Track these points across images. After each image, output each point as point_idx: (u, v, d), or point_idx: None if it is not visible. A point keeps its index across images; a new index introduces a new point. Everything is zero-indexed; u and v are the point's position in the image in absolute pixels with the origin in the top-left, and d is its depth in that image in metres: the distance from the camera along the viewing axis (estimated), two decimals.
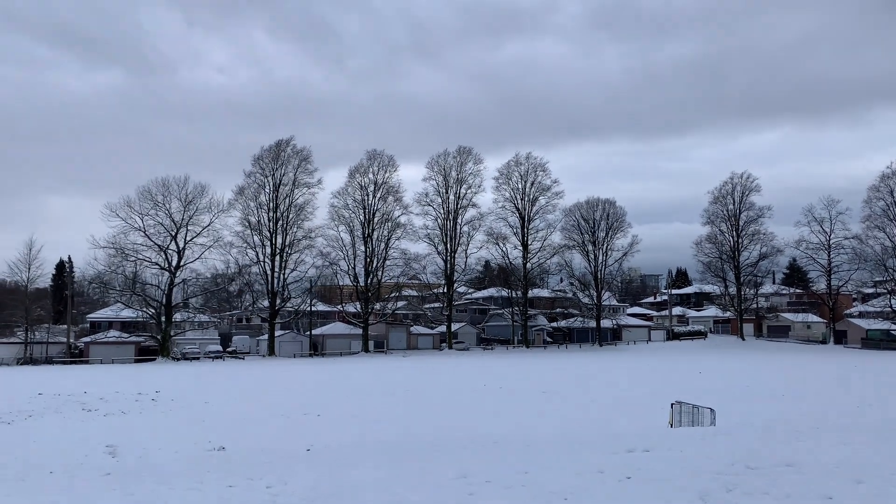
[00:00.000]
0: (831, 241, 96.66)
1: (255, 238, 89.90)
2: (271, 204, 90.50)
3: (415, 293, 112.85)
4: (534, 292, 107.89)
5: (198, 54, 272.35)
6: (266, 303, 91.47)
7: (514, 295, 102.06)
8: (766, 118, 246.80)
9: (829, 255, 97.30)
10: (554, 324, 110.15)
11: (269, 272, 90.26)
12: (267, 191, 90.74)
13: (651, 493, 8.70)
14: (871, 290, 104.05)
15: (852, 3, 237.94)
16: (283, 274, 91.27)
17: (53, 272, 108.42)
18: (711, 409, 19.76)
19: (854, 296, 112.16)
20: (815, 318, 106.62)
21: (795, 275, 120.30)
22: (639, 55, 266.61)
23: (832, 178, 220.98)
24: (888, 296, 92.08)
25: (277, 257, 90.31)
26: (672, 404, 19.79)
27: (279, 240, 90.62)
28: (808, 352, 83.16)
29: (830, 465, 10.28)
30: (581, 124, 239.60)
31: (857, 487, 8.98)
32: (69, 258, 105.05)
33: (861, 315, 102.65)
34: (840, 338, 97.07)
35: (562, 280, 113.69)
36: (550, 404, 32.49)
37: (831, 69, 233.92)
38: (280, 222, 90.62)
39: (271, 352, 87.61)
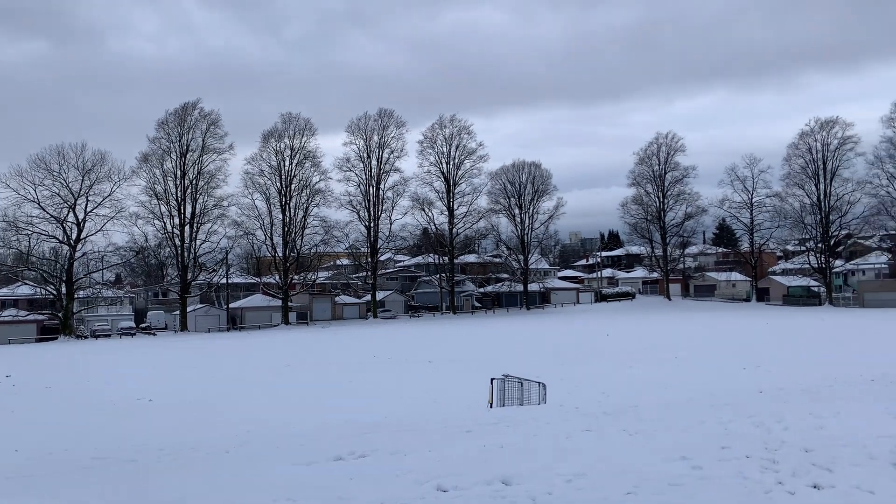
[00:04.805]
0: (753, 200, 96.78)
1: (162, 208, 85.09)
2: (178, 171, 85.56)
3: (344, 262, 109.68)
4: (463, 258, 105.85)
5: (126, 24, 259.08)
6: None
7: (441, 261, 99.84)
8: (700, 83, 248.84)
9: (751, 214, 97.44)
10: (482, 289, 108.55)
11: (178, 244, 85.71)
12: (173, 157, 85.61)
13: None
14: (794, 248, 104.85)
15: None
16: (194, 245, 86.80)
17: None
18: (541, 384, 17.53)
19: (779, 253, 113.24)
20: (740, 277, 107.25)
21: (724, 234, 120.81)
22: (575, 22, 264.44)
23: (763, 140, 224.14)
24: (807, 253, 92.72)
25: (187, 227, 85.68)
26: (493, 379, 17.34)
27: (188, 209, 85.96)
28: (728, 310, 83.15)
29: (560, 479, 7.86)
30: (521, 92, 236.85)
31: None
32: None
33: (783, 272, 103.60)
34: (762, 295, 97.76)
35: (497, 245, 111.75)
36: (410, 378, 30.27)
37: (762, 35, 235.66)
38: (189, 190, 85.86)
39: (184, 327, 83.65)
